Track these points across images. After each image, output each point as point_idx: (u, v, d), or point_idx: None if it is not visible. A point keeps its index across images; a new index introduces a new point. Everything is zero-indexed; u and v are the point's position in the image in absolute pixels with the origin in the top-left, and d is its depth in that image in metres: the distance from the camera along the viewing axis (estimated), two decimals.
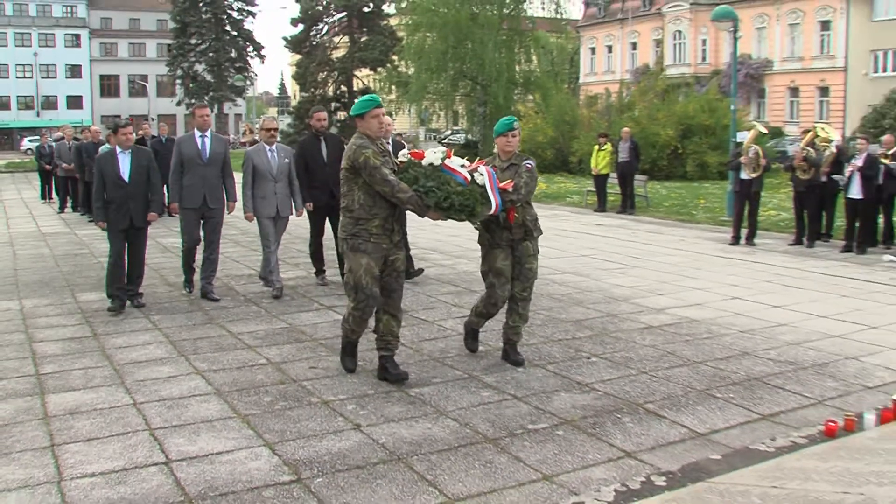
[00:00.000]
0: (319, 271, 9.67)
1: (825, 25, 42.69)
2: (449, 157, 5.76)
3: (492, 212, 5.80)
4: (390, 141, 8.79)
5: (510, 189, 5.91)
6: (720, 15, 16.94)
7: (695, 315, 8.13)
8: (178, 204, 8.57)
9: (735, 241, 13.24)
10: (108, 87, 74.93)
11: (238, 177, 8.61)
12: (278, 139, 9.05)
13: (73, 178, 18.07)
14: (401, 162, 5.83)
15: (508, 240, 6.19)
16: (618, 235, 14.54)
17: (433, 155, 5.73)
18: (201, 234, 8.78)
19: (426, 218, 5.84)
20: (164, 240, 13.15)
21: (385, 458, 4.56)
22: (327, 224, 9.29)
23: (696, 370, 6.28)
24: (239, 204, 8.95)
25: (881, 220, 12.68)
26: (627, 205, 18.62)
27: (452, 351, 6.78)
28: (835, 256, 12.01)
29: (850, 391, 5.79)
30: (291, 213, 9.03)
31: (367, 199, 5.65)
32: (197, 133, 8.60)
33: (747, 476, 4.23)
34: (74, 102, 72.55)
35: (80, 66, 73.57)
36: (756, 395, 5.70)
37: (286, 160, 8.84)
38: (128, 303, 8.30)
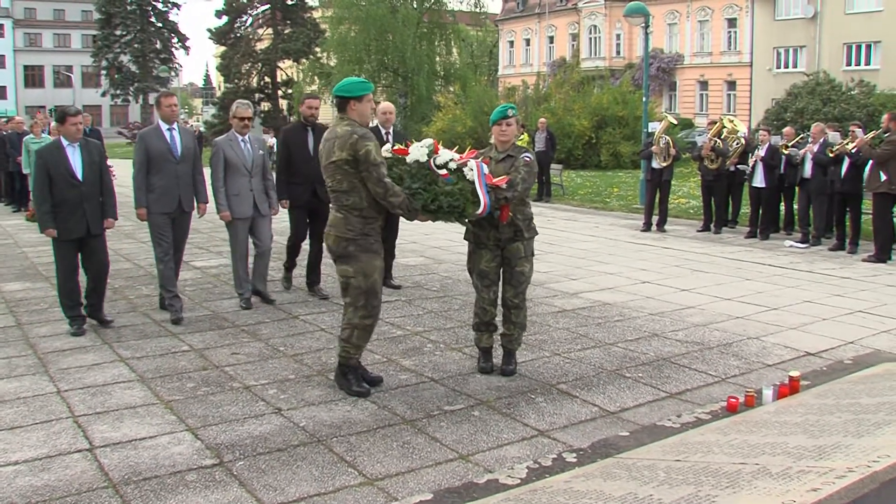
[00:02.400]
0: (288, 276, 8.66)
1: (732, 23, 44.04)
2: (437, 152, 5.29)
3: (480, 212, 5.29)
4: (391, 131, 8.31)
5: (504, 186, 5.41)
6: (632, 11, 17.30)
7: (607, 299, 8.38)
8: (145, 209, 7.24)
9: (647, 227, 13.63)
10: (33, 77, 72.98)
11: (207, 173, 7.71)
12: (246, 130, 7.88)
13: None
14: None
15: (495, 239, 5.69)
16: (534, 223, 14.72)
17: (419, 151, 5.24)
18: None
19: (415, 221, 5.39)
20: None
21: (305, 441, 4.60)
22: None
23: (607, 351, 6.48)
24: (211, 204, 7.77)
25: (783, 207, 13.24)
26: (544, 193, 18.94)
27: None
28: (740, 242, 12.47)
29: (752, 369, 6.07)
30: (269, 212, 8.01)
31: (370, 196, 5.10)
32: (163, 125, 7.30)
33: (654, 451, 4.36)
34: None
35: (3, 56, 71.34)
36: (664, 374, 5.91)
37: (261, 152, 7.82)
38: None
